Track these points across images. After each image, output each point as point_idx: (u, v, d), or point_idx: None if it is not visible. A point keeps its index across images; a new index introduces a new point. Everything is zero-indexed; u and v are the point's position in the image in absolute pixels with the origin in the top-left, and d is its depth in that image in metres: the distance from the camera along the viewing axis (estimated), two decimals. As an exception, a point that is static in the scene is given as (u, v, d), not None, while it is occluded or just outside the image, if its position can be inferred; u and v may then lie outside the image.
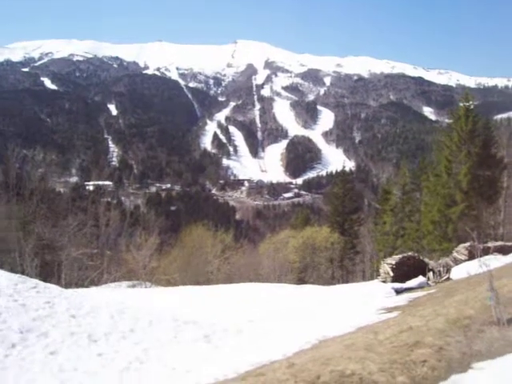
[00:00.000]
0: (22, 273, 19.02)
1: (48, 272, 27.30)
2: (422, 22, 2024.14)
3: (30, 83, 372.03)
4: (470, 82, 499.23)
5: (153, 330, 12.29)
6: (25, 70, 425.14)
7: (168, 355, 10.49)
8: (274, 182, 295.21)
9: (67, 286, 23.82)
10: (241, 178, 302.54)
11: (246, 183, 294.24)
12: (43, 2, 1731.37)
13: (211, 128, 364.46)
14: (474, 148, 35.35)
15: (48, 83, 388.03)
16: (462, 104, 36.74)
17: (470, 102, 36.64)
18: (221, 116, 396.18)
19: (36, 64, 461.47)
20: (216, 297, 20.98)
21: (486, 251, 19.97)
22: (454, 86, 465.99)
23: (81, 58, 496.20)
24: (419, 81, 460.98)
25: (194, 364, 9.83)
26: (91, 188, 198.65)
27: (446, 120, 78.66)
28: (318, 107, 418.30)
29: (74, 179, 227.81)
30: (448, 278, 21.33)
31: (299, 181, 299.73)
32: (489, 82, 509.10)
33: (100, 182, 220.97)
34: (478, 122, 36.59)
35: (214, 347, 11.44)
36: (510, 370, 6.17)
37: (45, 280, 16.91)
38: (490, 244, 24.30)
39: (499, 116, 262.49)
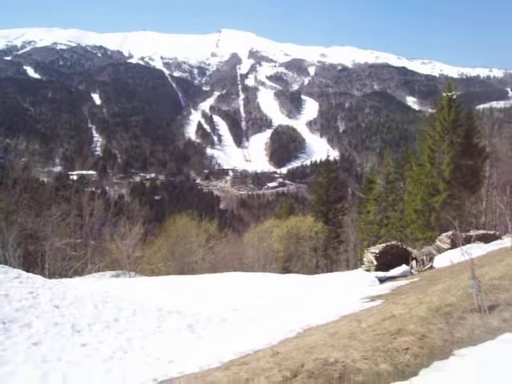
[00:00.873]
0: (5, 263, 18.83)
1: (31, 262, 27.13)
2: (406, 12, 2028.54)
3: (12, 72, 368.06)
4: (453, 72, 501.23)
5: (136, 319, 12.27)
6: (7, 59, 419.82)
7: (152, 345, 10.48)
8: (259, 171, 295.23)
9: (51, 276, 23.62)
10: (225, 167, 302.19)
11: (231, 173, 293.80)
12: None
13: (195, 117, 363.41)
14: (457, 138, 35.54)
15: (31, 72, 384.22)
16: (444, 94, 36.89)
17: (453, 92, 36.79)
18: (205, 105, 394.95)
19: (18, 52, 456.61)
20: (200, 286, 20.95)
21: (468, 240, 20.13)
22: (437, 75, 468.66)
23: (64, 47, 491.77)
24: (403, 71, 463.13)
25: (177, 353, 9.83)
26: (75, 178, 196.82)
27: (430, 110, 79.22)
28: (303, 97, 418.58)
29: (58, 169, 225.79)
30: (431, 267, 21.46)
31: (283, 170, 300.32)
32: (471, 72, 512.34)
33: (84, 172, 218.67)
34: (461, 112, 36.77)
35: (198, 336, 11.44)
36: (490, 356, 6.23)
37: (28, 270, 16.78)
38: (472, 233, 24.49)
39: (481, 106, 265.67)
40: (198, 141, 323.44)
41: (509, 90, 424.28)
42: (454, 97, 36.75)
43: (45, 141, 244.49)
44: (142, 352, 9.97)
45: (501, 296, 8.70)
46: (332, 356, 7.24)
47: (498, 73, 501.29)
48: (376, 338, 7.77)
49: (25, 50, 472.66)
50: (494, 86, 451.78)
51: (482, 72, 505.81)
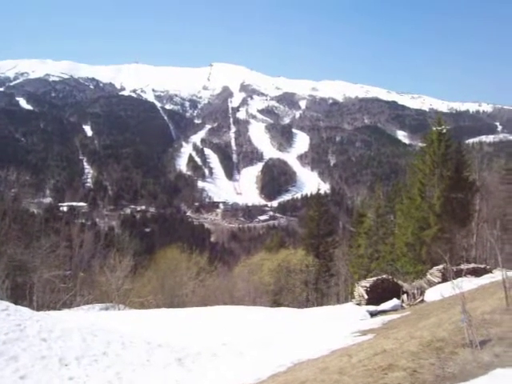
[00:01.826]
0: (-7, 295, 18.65)
1: (19, 294, 26.89)
2: (395, 46, 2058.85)
3: (5, 103, 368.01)
4: (443, 106, 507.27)
5: (125, 353, 12.14)
6: (0, 90, 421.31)
7: (140, 379, 10.36)
8: (249, 204, 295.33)
9: (39, 308, 23.42)
10: (216, 200, 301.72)
11: (221, 205, 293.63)
12: (18, 22, 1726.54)
13: (187, 150, 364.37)
14: (447, 171, 35.78)
15: (23, 103, 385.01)
16: (434, 128, 37.21)
17: (443, 127, 37.15)
18: (196, 138, 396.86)
19: (11, 84, 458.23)
20: (190, 320, 20.81)
21: (459, 273, 20.09)
22: (427, 110, 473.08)
23: (57, 79, 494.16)
24: (393, 105, 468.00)
25: (166, 388, 9.71)
26: (65, 209, 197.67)
27: (420, 144, 79.84)
28: (294, 130, 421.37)
29: (48, 200, 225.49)
30: (422, 301, 21.39)
31: (274, 203, 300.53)
32: (460, 106, 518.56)
33: (74, 203, 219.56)
34: (451, 146, 37.09)
35: (187, 371, 11.33)
36: (482, 392, 6.18)
37: (16, 302, 16.61)
38: (463, 266, 24.46)
39: (471, 140, 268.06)
40: (188, 173, 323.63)
41: (498, 124, 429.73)
42: (444, 131, 37.08)
43: (35, 172, 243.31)
44: (131, 386, 9.84)
45: (492, 330, 8.65)
46: (323, 391, 7.16)
47: (487, 107, 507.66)
48: (367, 374, 7.69)
49: (17, 81, 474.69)
50: (483, 120, 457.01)
51: (472, 106, 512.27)
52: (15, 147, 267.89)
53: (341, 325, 17.05)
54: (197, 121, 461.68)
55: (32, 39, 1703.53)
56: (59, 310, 25.76)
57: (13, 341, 11.20)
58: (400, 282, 25.98)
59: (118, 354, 11.92)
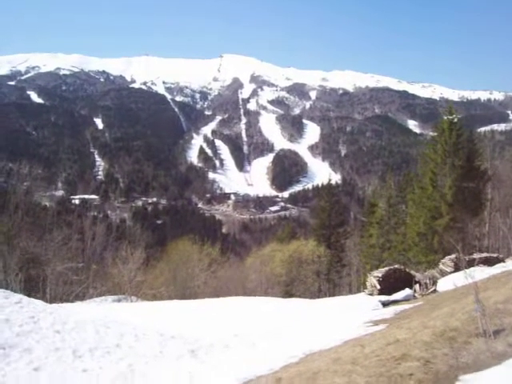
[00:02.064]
0: (6, 288, 18.74)
1: (33, 287, 26.99)
2: (406, 35, 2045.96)
3: (16, 97, 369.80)
4: (454, 95, 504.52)
5: (138, 345, 12.16)
6: (11, 84, 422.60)
7: (153, 371, 10.38)
8: (261, 195, 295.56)
9: (52, 300, 23.52)
10: (227, 191, 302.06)
11: (233, 197, 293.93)
12: (29, 16, 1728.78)
13: (197, 142, 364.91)
14: (459, 161, 35.53)
15: (34, 97, 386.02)
16: (445, 117, 36.92)
17: (454, 116, 36.84)
18: (207, 130, 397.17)
19: (22, 77, 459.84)
20: (202, 311, 20.84)
21: (472, 263, 20.03)
22: (438, 99, 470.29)
23: (67, 72, 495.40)
24: (403, 94, 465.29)
25: (179, 380, 9.73)
26: (77, 202, 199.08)
27: (431, 133, 79.31)
28: (304, 121, 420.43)
29: (60, 193, 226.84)
30: (434, 290, 21.30)
31: (285, 194, 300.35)
32: (471, 95, 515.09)
33: (86, 196, 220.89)
34: (462, 135, 36.80)
35: (200, 362, 11.33)
36: (496, 381, 6.15)
37: (29, 295, 16.71)
38: (476, 256, 24.33)
39: (482, 129, 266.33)
40: (199, 165, 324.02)
41: (510, 112, 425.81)
42: (455, 120, 36.78)
43: (47, 165, 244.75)
44: (144, 378, 9.87)
45: (506, 320, 8.61)
46: (335, 382, 7.16)
47: (498, 95, 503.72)
48: (380, 364, 7.68)
49: (28, 75, 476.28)
50: (494, 108, 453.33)
51: (483, 95, 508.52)
52: (27, 141, 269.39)
53: (353, 315, 17.02)
54: (207, 112, 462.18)
55: (43, 33, 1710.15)
56: (72, 302, 25.87)
57: (26, 333, 11.26)
58: (412, 272, 25.90)
59: (130, 346, 11.95)
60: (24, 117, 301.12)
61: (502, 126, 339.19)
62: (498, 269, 20.72)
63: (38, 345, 10.79)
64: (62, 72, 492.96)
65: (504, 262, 23.64)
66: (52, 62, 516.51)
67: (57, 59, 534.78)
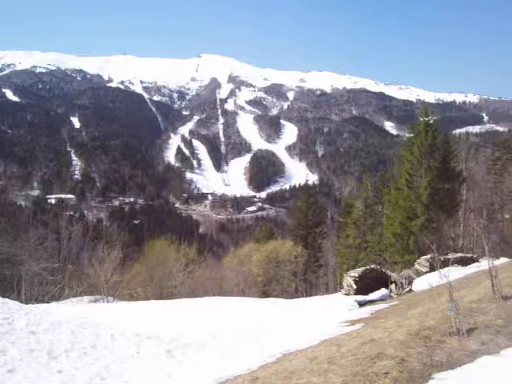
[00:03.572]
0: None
1: (7, 287, 26.76)
2: (383, 38, 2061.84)
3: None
4: (430, 97, 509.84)
5: (115, 345, 12.14)
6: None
7: (130, 371, 10.36)
8: (238, 195, 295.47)
9: (27, 301, 23.34)
10: (204, 191, 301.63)
11: (210, 197, 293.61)
12: (4, 13, 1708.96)
13: (175, 142, 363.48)
14: (434, 162, 35.95)
15: (10, 95, 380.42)
16: (421, 119, 37.31)
17: (430, 117, 37.22)
18: (185, 130, 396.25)
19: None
20: (179, 311, 20.81)
21: (447, 263, 20.27)
22: (414, 101, 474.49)
23: (44, 70, 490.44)
24: (380, 96, 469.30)
25: (156, 380, 9.73)
26: (53, 201, 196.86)
27: (407, 134, 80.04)
28: (282, 121, 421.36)
29: (36, 192, 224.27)
30: (410, 290, 21.51)
31: (263, 194, 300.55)
32: (447, 97, 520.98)
33: (62, 196, 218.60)
34: (438, 137, 37.18)
35: (177, 362, 11.34)
36: (469, 379, 6.25)
37: (4, 295, 16.58)
38: (450, 256, 24.61)
39: (457, 130, 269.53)
40: (177, 165, 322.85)
41: (484, 114, 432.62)
42: (431, 121, 37.18)
43: (23, 164, 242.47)
44: (120, 379, 9.85)
45: (479, 319, 8.74)
46: (311, 381, 7.22)
47: (473, 98, 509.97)
48: (356, 363, 7.75)
49: (4, 72, 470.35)
50: (469, 110, 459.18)
51: (458, 97, 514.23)
52: (2, 139, 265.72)
53: (330, 315, 17.11)
54: (185, 112, 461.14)
55: (19, 31, 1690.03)
56: (48, 302, 25.67)
57: (1, 334, 11.18)
58: (388, 272, 26.12)
59: (107, 347, 11.92)
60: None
61: (476, 128, 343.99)
62: (472, 268, 21.00)
63: (12, 346, 10.71)
64: (38, 70, 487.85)
65: (478, 261, 23.93)
66: (28, 60, 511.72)
67: (33, 57, 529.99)
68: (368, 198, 49.15)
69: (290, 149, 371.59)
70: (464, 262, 23.73)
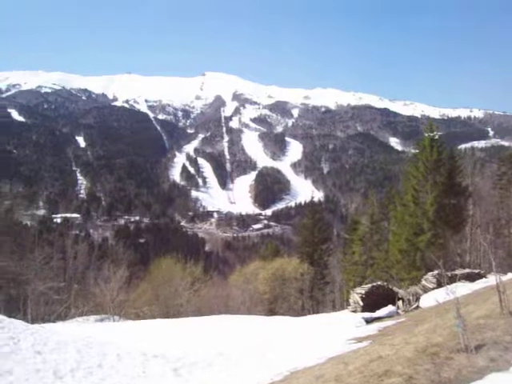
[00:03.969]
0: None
1: (13, 307, 26.74)
2: (387, 54, 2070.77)
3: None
4: (435, 112, 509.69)
5: (121, 364, 12.08)
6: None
7: (136, 390, 10.30)
8: (243, 213, 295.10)
9: (33, 321, 23.29)
10: (210, 209, 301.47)
11: (215, 215, 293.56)
12: (9, 33, 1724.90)
13: (180, 160, 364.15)
14: (440, 177, 35.86)
15: (15, 115, 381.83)
16: (426, 134, 37.25)
17: (435, 133, 37.18)
18: (189, 148, 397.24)
19: (3, 95, 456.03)
20: (185, 330, 20.74)
21: (454, 279, 20.14)
22: (419, 116, 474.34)
23: (49, 90, 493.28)
24: (385, 112, 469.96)
25: (162, 399, 9.66)
26: (59, 221, 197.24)
27: (412, 150, 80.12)
28: (287, 139, 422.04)
29: (42, 212, 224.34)
30: (417, 307, 21.40)
31: (268, 212, 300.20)
32: (452, 112, 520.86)
33: (68, 215, 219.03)
34: (443, 152, 37.12)
35: (184, 381, 11.28)
36: (478, 397, 6.19)
37: (10, 315, 16.54)
38: (458, 271, 24.50)
39: (463, 146, 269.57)
40: (182, 183, 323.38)
41: (489, 129, 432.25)
42: (436, 137, 37.13)
43: (28, 183, 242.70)
44: (126, 398, 9.78)
45: (487, 335, 8.67)
46: (319, 399, 7.16)
47: (478, 113, 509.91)
48: (363, 380, 7.69)
49: (9, 93, 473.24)
50: (474, 126, 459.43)
51: (463, 112, 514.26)
52: (8, 159, 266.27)
53: (337, 332, 17.02)
54: (190, 130, 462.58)
55: (24, 51, 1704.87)
56: (54, 322, 25.61)
57: (6, 354, 11.14)
58: (395, 289, 26.00)
59: (113, 366, 11.86)
60: (4, 135, 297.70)
61: (481, 143, 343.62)
62: (479, 284, 20.87)
63: (18, 366, 10.67)
64: (43, 90, 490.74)
65: (485, 277, 23.82)
66: (33, 80, 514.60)
67: (38, 77, 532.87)
68: (374, 215, 49.04)
69: (295, 166, 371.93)
70: (471, 277, 23.61)
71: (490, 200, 42.55)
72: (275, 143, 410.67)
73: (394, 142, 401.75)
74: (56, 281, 34.87)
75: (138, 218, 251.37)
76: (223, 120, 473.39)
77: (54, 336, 13.49)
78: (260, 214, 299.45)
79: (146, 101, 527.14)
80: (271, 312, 44.23)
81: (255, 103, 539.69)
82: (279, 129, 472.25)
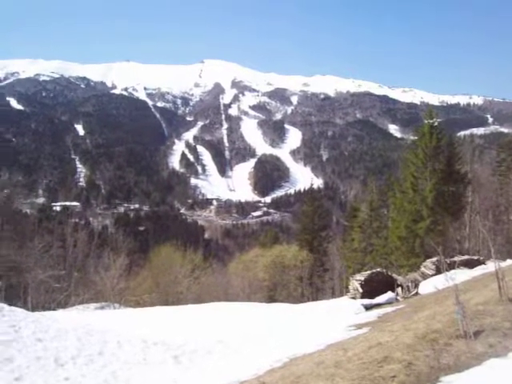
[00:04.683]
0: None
1: (14, 295, 26.79)
2: (387, 41, 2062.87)
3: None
4: (434, 99, 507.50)
5: (121, 351, 12.12)
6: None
7: (137, 377, 10.35)
8: (243, 200, 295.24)
9: (34, 309, 23.34)
10: (209, 197, 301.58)
11: (215, 202, 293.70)
12: (8, 21, 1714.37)
13: (179, 147, 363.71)
14: (439, 164, 35.86)
15: (14, 103, 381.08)
16: (426, 121, 37.19)
17: (434, 119, 37.13)
18: (189, 135, 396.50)
19: (1, 84, 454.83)
20: (185, 317, 20.78)
21: (453, 265, 20.17)
22: (419, 103, 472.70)
23: (47, 78, 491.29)
24: (384, 99, 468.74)
25: (163, 386, 9.70)
26: (58, 209, 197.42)
27: (411, 137, 79.82)
28: (286, 126, 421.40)
29: (41, 200, 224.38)
30: (416, 293, 21.44)
31: (268, 199, 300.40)
32: (451, 99, 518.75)
33: (67, 203, 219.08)
34: (442, 139, 37.07)
35: (184, 368, 11.32)
36: (477, 382, 6.21)
37: (10, 303, 16.54)
38: (456, 258, 24.52)
39: (462, 133, 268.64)
40: (181, 171, 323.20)
41: (489, 116, 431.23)
42: (435, 124, 37.08)
43: (28, 172, 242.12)
44: (127, 385, 9.83)
45: (486, 321, 8.70)
46: (318, 385, 7.18)
47: (477, 100, 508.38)
48: (362, 367, 7.72)
49: (8, 81, 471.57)
50: (474, 112, 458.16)
51: (462, 99, 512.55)
52: (6, 148, 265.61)
53: (336, 319, 17.06)
54: (189, 118, 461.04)
55: (22, 39, 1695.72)
56: (54, 310, 25.66)
57: (8, 342, 11.16)
58: (394, 275, 26.08)
59: (113, 353, 11.90)
60: (3, 123, 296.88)
61: (481, 130, 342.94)
62: (478, 271, 20.91)
63: (19, 354, 10.70)
64: (41, 78, 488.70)
65: (484, 264, 23.83)
66: (32, 68, 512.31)
67: (37, 65, 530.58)
68: (373, 202, 49.08)
69: (294, 153, 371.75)
70: (470, 264, 23.64)
71: (489, 187, 42.54)
72: (274, 130, 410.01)
73: (394, 129, 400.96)
74: (56, 269, 34.87)
75: (137, 205, 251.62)
76: (222, 107, 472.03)
77: (54, 324, 13.53)
78: (259, 202, 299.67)
79: (145, 88, 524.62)
80: (271, 299, 44.31)
81: (254, 90, 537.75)
82: (278, 116, 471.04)
